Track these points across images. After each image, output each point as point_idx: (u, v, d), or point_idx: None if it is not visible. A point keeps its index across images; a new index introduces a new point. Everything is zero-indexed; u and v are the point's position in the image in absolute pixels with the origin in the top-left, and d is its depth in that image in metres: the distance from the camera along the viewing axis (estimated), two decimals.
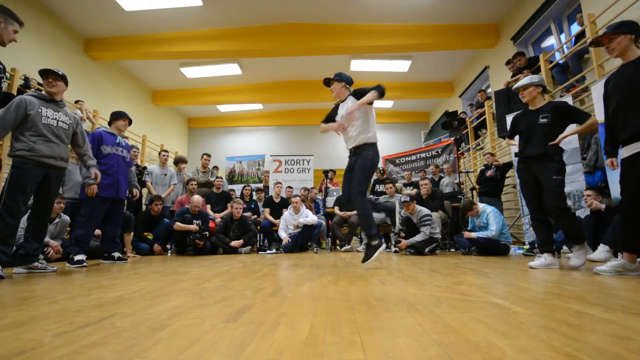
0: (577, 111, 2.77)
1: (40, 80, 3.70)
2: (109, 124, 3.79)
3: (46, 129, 2.62)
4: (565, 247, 3.83)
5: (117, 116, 3.74)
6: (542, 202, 2.75)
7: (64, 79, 2.81)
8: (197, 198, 4.94)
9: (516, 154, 2.97)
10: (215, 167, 8.00)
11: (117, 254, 3.58)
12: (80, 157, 3.03)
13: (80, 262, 3.10)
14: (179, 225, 4.67)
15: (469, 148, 7.83)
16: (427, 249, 4.32)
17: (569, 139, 2.97)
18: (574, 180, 4.17)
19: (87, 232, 3.30)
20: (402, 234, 4.63)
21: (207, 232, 4.70)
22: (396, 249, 4.67)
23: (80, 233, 3.27)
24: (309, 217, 5.37)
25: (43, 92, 2.77)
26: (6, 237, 2.45)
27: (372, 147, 2.83)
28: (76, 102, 6.46)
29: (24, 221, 3.44)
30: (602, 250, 3.24)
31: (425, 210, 4.50)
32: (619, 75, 2.27)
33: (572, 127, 2.75)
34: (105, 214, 3.50)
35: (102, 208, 3.41)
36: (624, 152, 2.24)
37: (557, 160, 2.70)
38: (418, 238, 4.36)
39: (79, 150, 2.98)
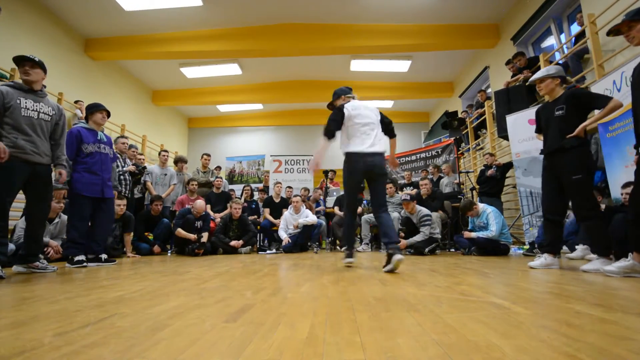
0: (594, 96, 2.54)
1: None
2: (86, 118, 3.46)
3: (26, 122, 2.46)
4: (565, 247, 3.83)
5: (93, 109, 3.41)
6: (556, 202, 2.65)
7: (41, 66, 2.60)
8: (200, 204, 4.94)
9: (541, 151, 2.81)
10: (218, 167, 8.00)
11: (104, 256, 3.41)
12: (52, 151, 2.73)
13: (80, 262, 3.07)
14: (180, 232, 4.69)
15: (469, 148, 7.83)
16: (427, 249, 4.33)
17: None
18: None
19: (79, 233, 3.17)
20: (402, 234, 4.63)
21: (203, 241, 4.70)
22: None
23: (74, 235, 3.15)
24: (309, 217, 5.37)
25: (20, 82, 2.57)
26: None
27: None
28: (76, 102, 6.47)
29: (24, 221, 3.44)
30: (581, 249, 3.33)
31: (425, 210, 4.50)
32: None
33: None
34: (92, 212, 3.34)
35: (87, 207, 3.23)
36: None
37: (575, 155, 2.49)
38: (417, 238, 4.36)
39: (52, 142, 2.72)
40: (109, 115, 3.57)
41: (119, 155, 4.57)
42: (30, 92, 2.58)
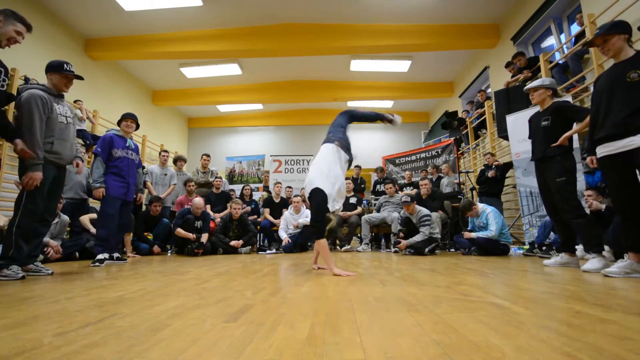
0: (575, 109, 2.79)
1: (40, 80, 3.70)
2: (118, 124, 3.81)
3: (59, 127, 2.56)
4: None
5: (122, 117, 3.78)
6: (553, 204, 2.81)
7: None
8: (198, 201, 4.94)
9: (531, 158, 3.10)
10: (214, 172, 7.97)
11: (116, 254, 3.57)
12: None
13: (102, 260, 3.23)
14: (180, 232, 4.70)
15: (469, 148, 7.83)
16: (427, 249, 4.32)
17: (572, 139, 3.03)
18: None
19: (108, 230, 3.41)
20: (402, 234, 4.63)
21: (203, 241, 4.71)
22: (396, 249, 4.67)
23: (102, 233, 3.39)
24: (309, 217, 5.36)
25: (49, 87, 2.64)
26: (26, 238, 2.43)
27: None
28: (75, 101, 6.46)
29: None
30: (580, 249, 3.33)
31: (424, 211, 4.50)
32: (610, 74, 2.28)
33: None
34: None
35: (116, 205, 3.49)
36: (599, 150, 2.26)
37: (558, 161, 2.73)
38: (417, 238, 4.36)
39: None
40: (137, 126, 3.83)
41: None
42: (60, 96, 2.68)
